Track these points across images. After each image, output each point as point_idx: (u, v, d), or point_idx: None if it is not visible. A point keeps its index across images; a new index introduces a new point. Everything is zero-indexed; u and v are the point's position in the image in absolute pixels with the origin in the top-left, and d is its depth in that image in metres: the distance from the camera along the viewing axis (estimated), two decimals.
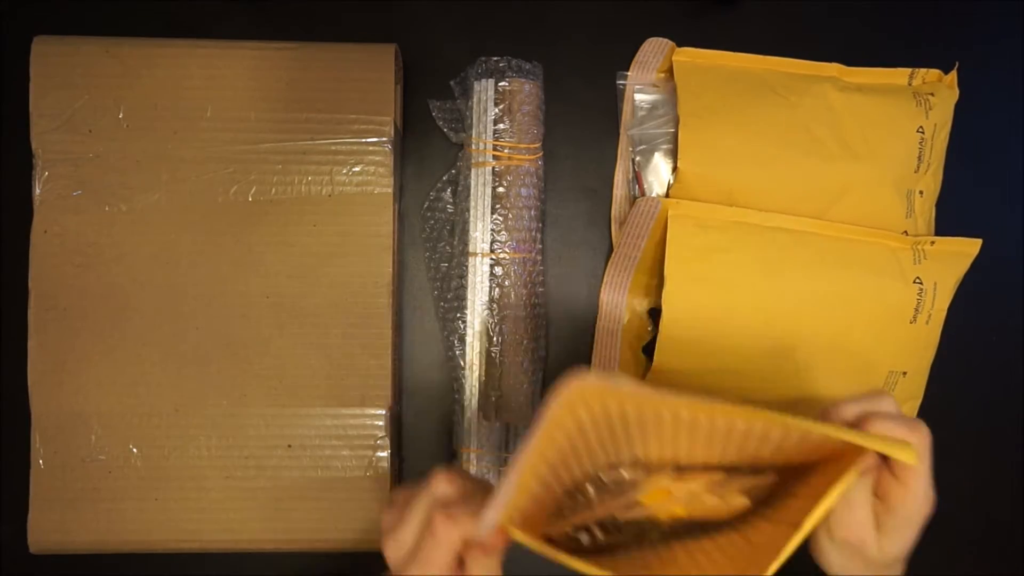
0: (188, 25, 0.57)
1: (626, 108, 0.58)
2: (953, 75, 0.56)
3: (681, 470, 0.37)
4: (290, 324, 0.53)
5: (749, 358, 0.52)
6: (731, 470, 0.37)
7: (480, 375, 0.56)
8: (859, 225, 0.52)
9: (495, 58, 0.55)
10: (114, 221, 0.52)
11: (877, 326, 0.52)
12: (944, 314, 0.53)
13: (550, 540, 0.36)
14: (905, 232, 0.53)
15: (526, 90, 0.55)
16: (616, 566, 0.34)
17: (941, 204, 0.56)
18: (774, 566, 0.31)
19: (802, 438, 0.33)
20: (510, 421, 0.55)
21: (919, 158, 0.54)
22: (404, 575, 0.34)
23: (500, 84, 0.55)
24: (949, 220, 0.56)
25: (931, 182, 0.55)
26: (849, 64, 0.56)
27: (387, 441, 0.53)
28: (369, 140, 0.53)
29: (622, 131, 0.58)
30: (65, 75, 0.52)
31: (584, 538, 0.37)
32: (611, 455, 0.37)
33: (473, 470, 0.55)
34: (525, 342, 0.55)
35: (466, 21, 0.58)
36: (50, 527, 0.51)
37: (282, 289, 0.53)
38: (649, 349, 0.57)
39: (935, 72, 0.57)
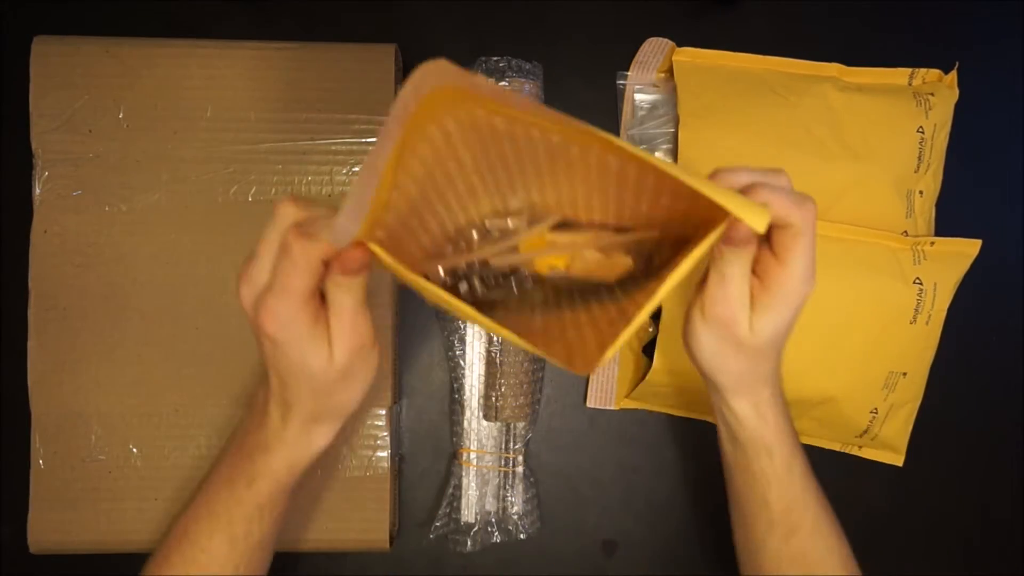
0: (188, 25, 0.57)
1: (626, 108, 0.58)
2: (953, 75, 0.56)
3: (568, 226, 0.36)
4: None
5: None
6: (619, 231, 0.36)
7: (480, 375, 0.56)
8: (859, 226, 0.52)
9: (495, 58, 0.55)
10: (114, 221, 0.52)
11: (877, 326, 0.52)
12: (944, 314, 0.53)
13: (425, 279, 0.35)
14: (905, 232, 0.53)
15: (526, 90, 0.55)
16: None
17: (941, 204, 0.56)
18: (628, 330, 0.29)
19: (674, 191, 0.31)
20: (510, 421, 0.55)
21: (919, 158, 0.54)
22: (260, 311, 0.32)
23: (500, 84, 0.55)
24: (949, 220, 0.56)
25: (931, 182, 0.55)
26: (849, 64, 0.56)
27: (387, 441, 0.53)
28: (369, 140, 0.53)
29: (622, 131, 0.58)
30: (65, 75, 0.52)
31: (463, 288, 0.36)
32: (494, 197, 0.35)
33: (473, 470, 0.56)
34: None
35: (466, 21, 0.58)
36: (50, 527, 0.51)
37: None
38: (649, 349, 0.57)
39: (935, 72, 0.57)
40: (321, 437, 0.37)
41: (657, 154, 0.57)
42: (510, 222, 0.36)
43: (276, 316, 0.32)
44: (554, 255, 0.36)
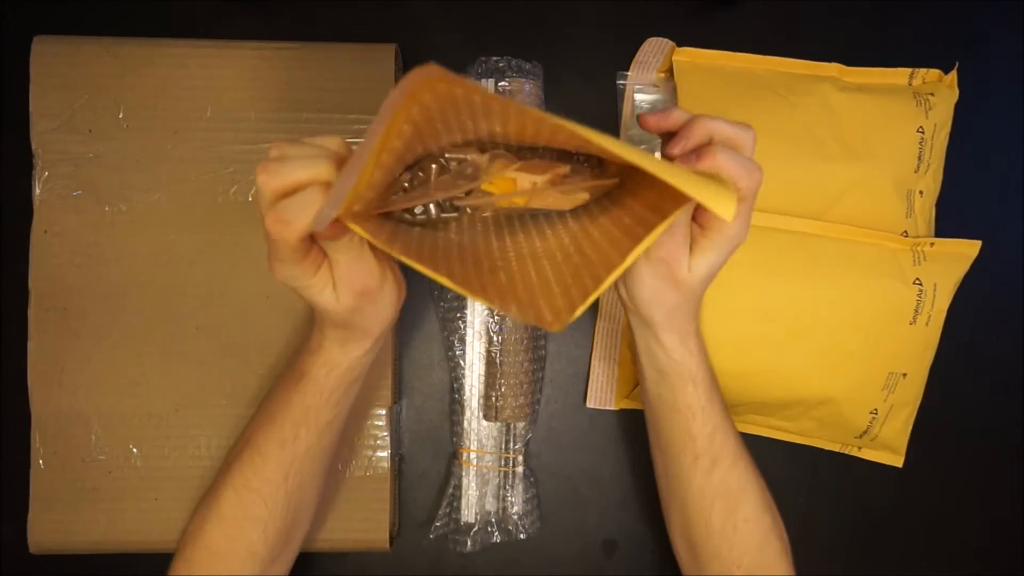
0: (188, 25, 0.57)
1: (626, 108, 0.58)
2: (953, 75, 0.56)
3: (525, 157, 0.38)
4: (290, 324, 0.53)
5: (749, 359, 0.52)
6: (576, 162, 0.38)
7: (480, 375, 0.56)
8: (859, 226, 0.52)
9: (495, 58, 0.55)
10: (114, 221, 0.52)
11: (877, 327, 0.52)
12: (944, 315, 0.53)
13: (386, 214, 0.37)
14: (905, 232, 0.53)
15: (526, 90, 0.55)
16: (445, 256, 0.34)
17: (941, 204, 0.56)
18: (597, 292, 0.31)
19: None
20: (510, 421, 0.55)
21: (919, 158, 0.54)
22: (269, 264, 0.36)
23: (500, 84, 0.55)
24: (949, 220, 0.56)
25: (931, 182, 0.55)
26: (849, 64, 0.56)
27: (387, 441, 0.53)
28: None
29: (622, 131, 0.58)
30: (65, 75, 0.52)
31: (419, 210, 0.38)
32: (456, 134, 0.37)
33: (473, 470, 0.56)
34: (525, 342, 0.55)
35: (466, 21, 0.58)
36: (50, 527, 0.51)
37: (282, 289, 0.52)
38: None
39: (935, 72, 0.57)
40: (354, 349, 0.41)
41: (657, 154, 0.57)
42: (470, 156, 0.38)
43: (278, 271, 0.36)
44: (516, 198, 0.38)
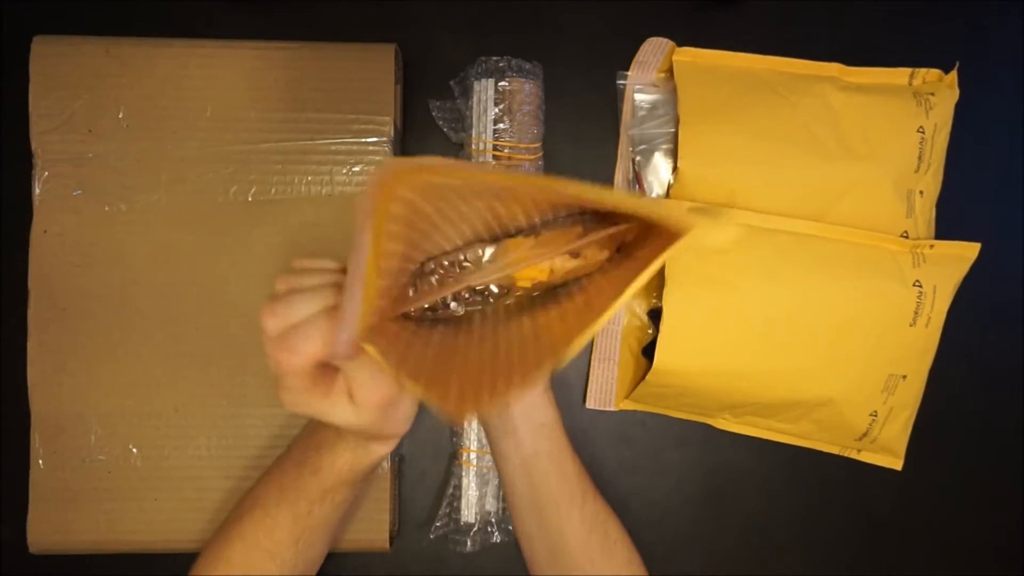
0: (188, 25, 0.57)
1: (626, 108, 0.58)
2: (953, 75, 0.56)
3: (538, 233, 0.36)
4: None
5: (749, 360, 0.52)
6: (590, 222, 0.37)
7: None
8: (859, 227, 0.52)
9: (495, 58, 0.55)
10: (114, 221, 0.52)
11: (877, 329, 0.52)
12: (943, 317, 0.53)
13: (406, 316, 0.35)
14: (905, 232, 0.53)
15: (526, 90, 0.55)
16: (447, 367, 0.32)
17: (941, 204, 0.56)
18: (576, 343, 0.31)
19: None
20: None
21: (919, 158, 0.54)
22: (278, 393, 0.34)
23: (500, 84, 0.55)
24: (949, 220, 0.56)
25: (931, 182, 0.55)
26: (849, 64, 0.56)
27: None
28: (369, 140, 0.53)
29: (622, 131, 0.58)
30: (65, 75, 0.52)
31: (452, 303, 0.36)
32: (459, 224, 0.35)
33: (473, 470, 0.56)
34: None
35: (466, 21, 0.58)
36: (50, 527, 0.51)
37: None
38: (649, 351, 0.57)
39: (935, 72, 0.57)
40: (379, 448, 0.39)
41: (657, 154, 0.57)
42: (480, 250, 0.36)
43: (288, 402, 0.34)
44: (535, 268, 0.36)
